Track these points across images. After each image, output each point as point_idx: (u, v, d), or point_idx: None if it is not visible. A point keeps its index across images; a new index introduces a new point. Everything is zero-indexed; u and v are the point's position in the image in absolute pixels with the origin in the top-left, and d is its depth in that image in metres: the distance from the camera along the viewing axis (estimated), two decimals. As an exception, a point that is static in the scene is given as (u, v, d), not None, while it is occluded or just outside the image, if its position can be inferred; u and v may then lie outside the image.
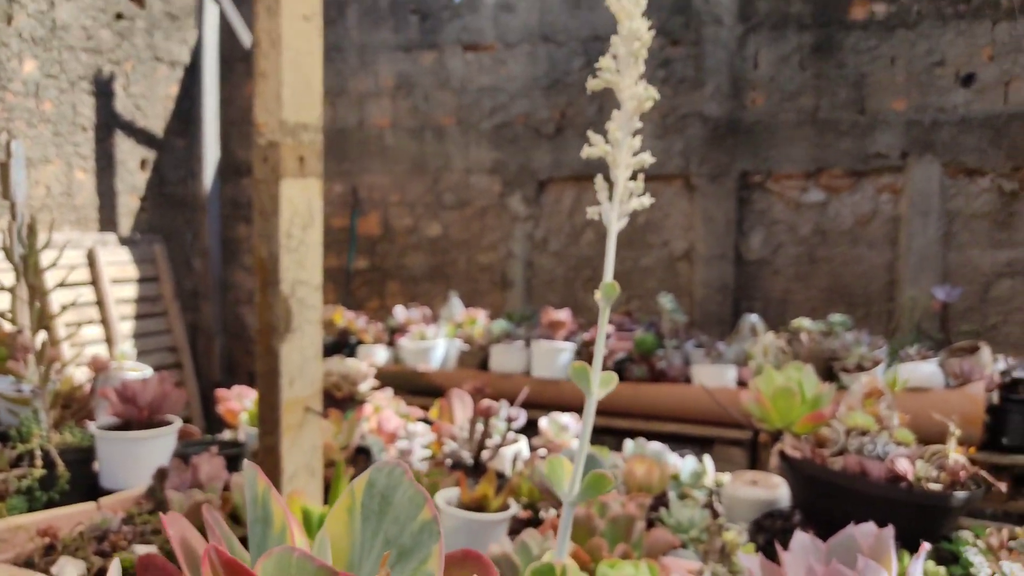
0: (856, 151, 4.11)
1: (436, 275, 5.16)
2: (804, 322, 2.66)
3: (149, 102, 4.93)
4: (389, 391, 2.20)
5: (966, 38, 3.86)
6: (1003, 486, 1.24)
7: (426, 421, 2.02)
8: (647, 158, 0.69)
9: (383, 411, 2.03)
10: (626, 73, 0.67)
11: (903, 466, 1.25)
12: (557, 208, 4.84)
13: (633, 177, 0.70)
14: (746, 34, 4.28)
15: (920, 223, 4.00)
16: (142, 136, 4.91)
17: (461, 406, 1.63)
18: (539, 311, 3.35)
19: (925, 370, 2.42)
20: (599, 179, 0.70)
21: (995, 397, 2.42)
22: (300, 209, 1.33)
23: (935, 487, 1.26)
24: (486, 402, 1.54)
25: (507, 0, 4.71)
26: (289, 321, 1.38)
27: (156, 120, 5.00)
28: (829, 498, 1.35)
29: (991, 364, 2.49)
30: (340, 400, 2.09)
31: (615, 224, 0.67)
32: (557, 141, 4.66)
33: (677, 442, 3.11)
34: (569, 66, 4.59)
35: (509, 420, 1.59)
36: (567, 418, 1.91)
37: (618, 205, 0.67)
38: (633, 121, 0.68)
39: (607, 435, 3.20)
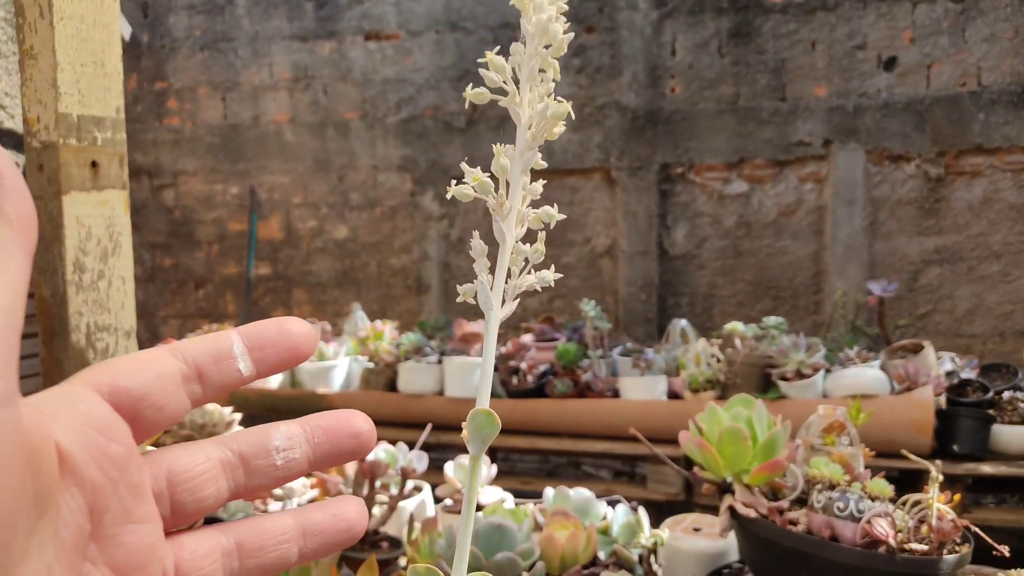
0: (778, 140, 3.95)
1: (345, 281, 4.80)
2: (737, 326, 2.45)
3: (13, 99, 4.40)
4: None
5: (887, 20, 3.73)
6: (1005, 549, 1.02)
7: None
8: (552, 212, 0.41)
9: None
10: (526, 85, 0.39)
11: (882, 529, 1.01)
12: (473, 206, 4.54)
13: (528, 239, 0.42)
14: (662, 20, 4.06)
15: (845, 212, 3.87)
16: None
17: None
18: (453, 321, 3.07)
19: (869, 375, 2.23)
20: (476, 241, 0.42)
21: (942, 401, 2.25)
22: (96, 232, 0.99)
23: (919, 547, 1.03)
24: (371, 461, 1.24)
25: (409, -16, 4.38)
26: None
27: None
28: (791, 565, 1.10)
29: (936, 365, 2.33)
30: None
31: (496, 311, 0.38)
32: (469, 135, 4.36)
33: (608, 460, 2.88)
34: (479, 55, 4.27)
35: (404, 476, 1.30)
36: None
37: (502, 282, 0.39)
38: (532, 154, 0.39)
39: (532, 455, 2.94)
